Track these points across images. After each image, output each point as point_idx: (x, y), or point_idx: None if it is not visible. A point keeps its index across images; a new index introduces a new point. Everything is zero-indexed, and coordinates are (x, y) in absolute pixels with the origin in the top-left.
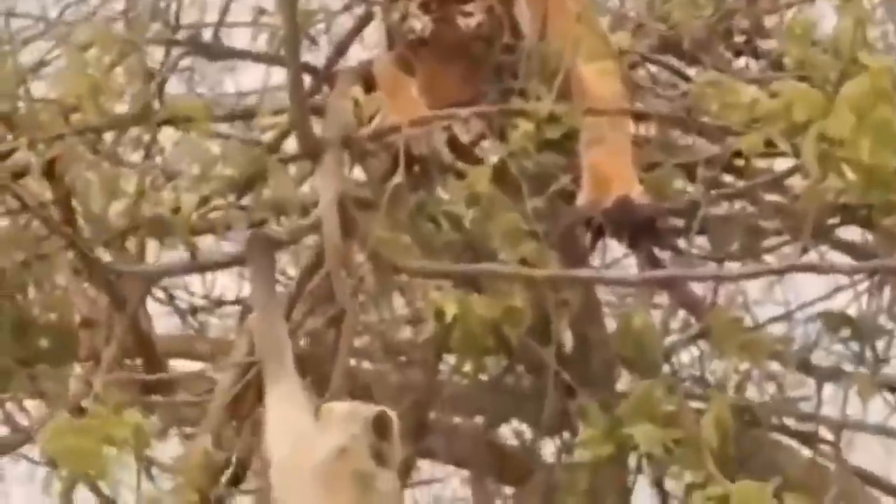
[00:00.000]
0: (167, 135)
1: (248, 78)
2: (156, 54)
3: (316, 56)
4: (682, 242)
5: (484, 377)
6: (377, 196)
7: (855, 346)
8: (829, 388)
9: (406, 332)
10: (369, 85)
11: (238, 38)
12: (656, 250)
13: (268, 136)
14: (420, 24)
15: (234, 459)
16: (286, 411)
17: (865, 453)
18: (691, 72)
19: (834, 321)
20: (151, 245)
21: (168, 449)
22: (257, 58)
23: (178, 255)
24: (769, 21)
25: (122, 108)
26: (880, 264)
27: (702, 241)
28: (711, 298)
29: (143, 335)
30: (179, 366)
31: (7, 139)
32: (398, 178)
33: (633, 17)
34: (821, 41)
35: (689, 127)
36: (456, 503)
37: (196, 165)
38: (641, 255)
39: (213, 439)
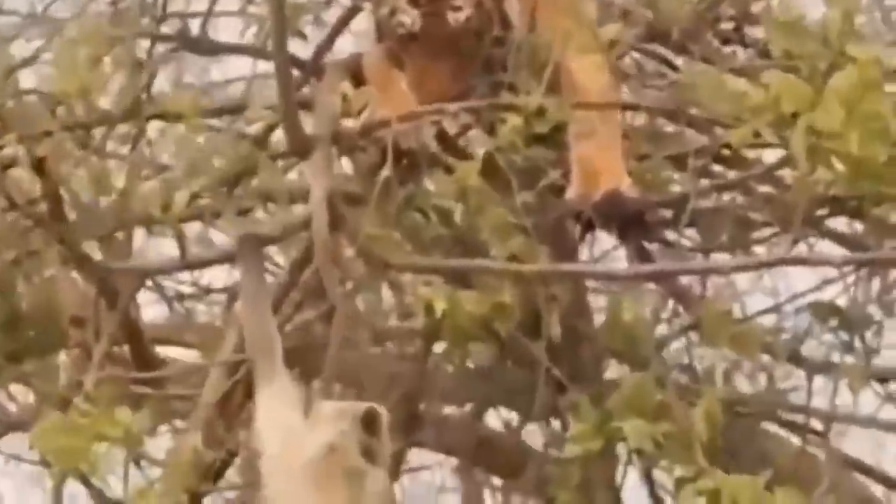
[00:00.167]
0: (155, 125)
1: (236, 66)
2: (144, 45)
3: (304, 47)
4: (671, 234)
5: (472, 366)
6: (366, 190)
7: (844, 336)
8: (819, 380)
9: (395, 322)
10: (358, 78)
11: (225, 28)
12: (646, 243)
13: (255, 128)
14: (409, 18)
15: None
16: (276, 409)
17: (856, 443)
18: (679, 60)
19: (823, 311)
20: (139, 232)
21: (158, 442)
22: (245, 51)
23: (165, 241)
24: (757, 6)
25: (110, 100)
26: (871, 256)
27: (691, 232)
28: (700, 290)
29: (133, 326)
30: (167, 353)
31: None
32: (387, 172)
33: (619, 3)
34: (808, 30)
35: (677, 118)
36: (445, 493)
37: (185, 160)
38: (631, 247)
39: (202, 437)
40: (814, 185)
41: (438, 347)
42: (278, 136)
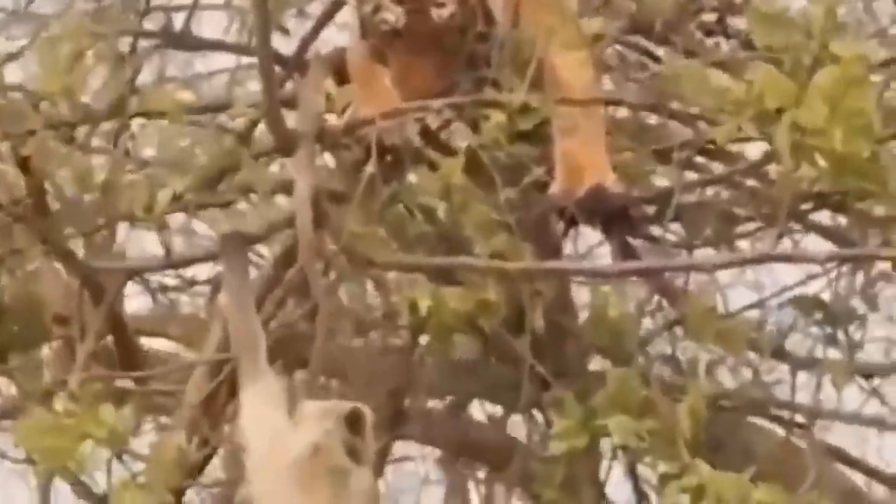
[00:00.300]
0: (138, 120)
1: (220, 59)
2: (128, 41)
3: (288, 42)
4: (656, 229)
5: (457, 358)
6: (350, 187)
7: (828, 329)
8: (803, 375)
9: (379, 315)
10: (341, 74)
11: (209, 21)
12: (630, 238)
13: (238, 123)
14: (393, 15)
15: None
16: (261, 408)
17: (839, 437)
18: (661, 52)
19: (807, 305)
20: (122, 225)
21: (142, 438)
22: (228, 48)
23: (149, 234)
24: None
25: (92, 96)
26: (854, 252)
27: (675, 227)
28: (684, 284)
29: (117, 318)
30: (150, 344)
31: None
32: (371, 169)
33: None
34: (791, 21)
35: (660, 112)
36: (429, 484)
37: (168, 156)
38: (615, 243)
39: (186, 435)
40: (798, 180)
41: (423, 340)
42: (262, 129)
